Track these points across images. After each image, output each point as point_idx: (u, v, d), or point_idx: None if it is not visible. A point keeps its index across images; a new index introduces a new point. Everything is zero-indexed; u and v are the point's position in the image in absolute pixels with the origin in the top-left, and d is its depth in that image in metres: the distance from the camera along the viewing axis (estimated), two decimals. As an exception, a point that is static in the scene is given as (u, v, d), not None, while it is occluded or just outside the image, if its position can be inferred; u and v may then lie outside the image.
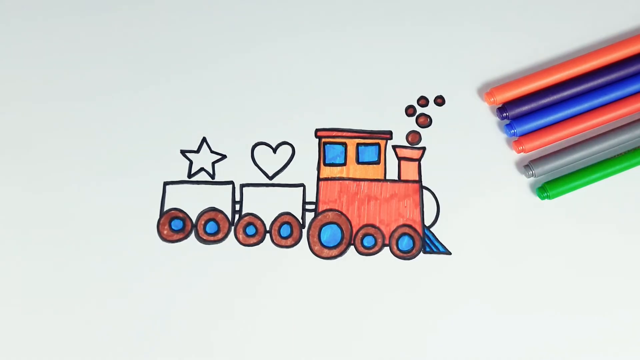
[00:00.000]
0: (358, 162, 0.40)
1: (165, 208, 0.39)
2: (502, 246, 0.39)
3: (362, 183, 0.40)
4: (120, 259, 0.39)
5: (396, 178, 0.40)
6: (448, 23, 0.43)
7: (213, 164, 0.40)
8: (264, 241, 0.39)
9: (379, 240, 0.39)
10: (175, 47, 0.42)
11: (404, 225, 0.39)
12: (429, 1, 0.43)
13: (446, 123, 0.41)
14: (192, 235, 0.39)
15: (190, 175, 0.40)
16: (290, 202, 0.40)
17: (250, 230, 0.39)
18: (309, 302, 0.38)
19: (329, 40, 0.42)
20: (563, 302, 0.38)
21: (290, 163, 0.40)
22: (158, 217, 0.39)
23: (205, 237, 0.39)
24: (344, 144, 0.41)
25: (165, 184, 0.40)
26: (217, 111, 0.41)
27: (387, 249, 0.39)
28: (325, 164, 0.40)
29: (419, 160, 0.40)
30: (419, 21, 0.43)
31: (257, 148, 0.40)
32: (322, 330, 0.38)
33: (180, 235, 0.39)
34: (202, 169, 0.40)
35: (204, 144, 0.41)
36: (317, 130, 0.41)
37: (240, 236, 0.39)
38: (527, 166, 0.40)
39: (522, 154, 0.40)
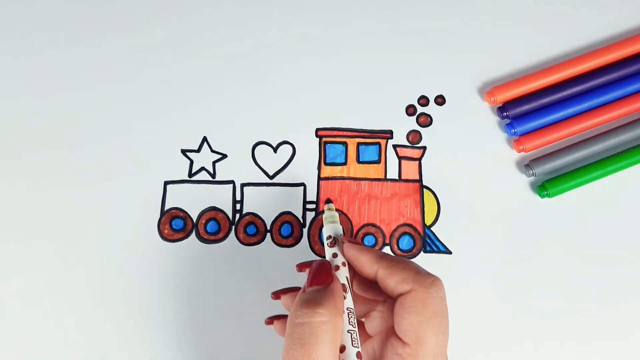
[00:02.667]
0: (358, 162, 0.40)
1: (166, 207, 0.39)
2: (502, 245, 0.39)
3: (362, 182, 0.40)
4: (120, 258, 0.38)
5: (397, 177, 0.40)
6: (449, 22, 0.43)
7: (214, 163, 0.40)
8: (265, 240, 0.39)
9: (380, 240, 0.39)
10: (175, 46, 0.42)
11: (405, 224, 0.39)
12: (430, 1, 0.43)
13: (447, 122, 0.41)
14: (193, 234, 0.39)
15: (190, 174, 0.40)
16: (291, 202, 0.40)
17: (251, 229, 0.39)
18: (309, 302, 0.38)
19: (330, 40, 0.42)
20: (563, 301, 0.38)
21: (291, 162, 0.40)
22: (159, 216, 0.39)
23: (206, 236, 0.39)
24: (345, 144, 0.41)
25: (166, 183, 0.40)
26: (217, 110, 0.41)
27: (387, 248, 0.39)
28: (325, 164, 0.40)
29: (419, 159, 0.40)
30: (420, 20, 0.43)
31: (258, 147, 0.41)
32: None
33: (181, 235, 0.39)
34: (202, 169, 0.40)
35: (205, 143, 0.41)
36: (317, 130, 0.41)
37: (241, 235, 0.39)
38: (527, 165, 0.40)
39: (522, 153, 0.40)
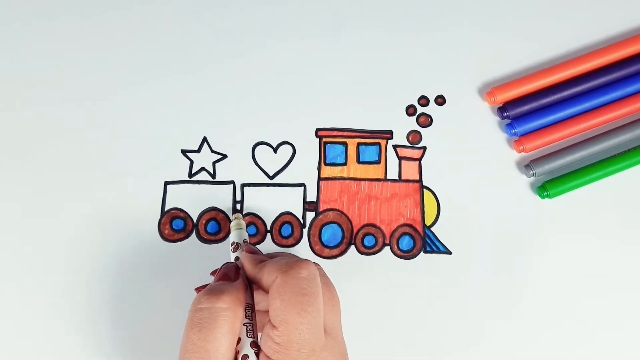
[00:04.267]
0: (359, 162, 0.40)
1: (166, 208, 0.39)
2: (502, 246, 0.39)
3: (362, 183, 0.40)
4: (121, 258, 0.38)
5: (397, 178, 0.40)
6: (449, 23, 0.43)
7: (214, 163, 0.40)
8: (265, 241, 0.39)
9: (380, 240, 0.39)
10: (176, 46, 0.42)
11: (405, 224, 0.39)
12: (430, 1, 0.43)
13: (447, 123, 0.41)
14: (193, 234, 0.39)
15: (191, 174, 0.40)
16: (291, 202, 0.40)
17: (251, 229, 0.39)
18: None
19: (330, 40, 0.42)
20: (563, 301, 0.38)
21: (291, 163, 0.40)
22: (159, 216, 0.39)
23: (206, 236, 0.39)
24: (345, 144, 0.41)
25: (166, 183, 0.40)
26: (217, 111, 0.41)
27: (387, 248, 0.39)
28: (325, 164, 0.40)
29: (419, 159, 0.40)
30: (420, 20, 0.43)
31: (258, 148, 0.41)
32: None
33: (182, 235, 0.39)
34: (202, 169, 0.40)
35: (205, 143, 0.41)
36: (317, 130, 0.41)
37: (241, 236, 0.39)
38: (527, 166, 0.40)
39: (522, 153, 0.40)
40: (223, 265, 0.32)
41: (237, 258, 0.34)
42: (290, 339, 0.27)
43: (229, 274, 0.31)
